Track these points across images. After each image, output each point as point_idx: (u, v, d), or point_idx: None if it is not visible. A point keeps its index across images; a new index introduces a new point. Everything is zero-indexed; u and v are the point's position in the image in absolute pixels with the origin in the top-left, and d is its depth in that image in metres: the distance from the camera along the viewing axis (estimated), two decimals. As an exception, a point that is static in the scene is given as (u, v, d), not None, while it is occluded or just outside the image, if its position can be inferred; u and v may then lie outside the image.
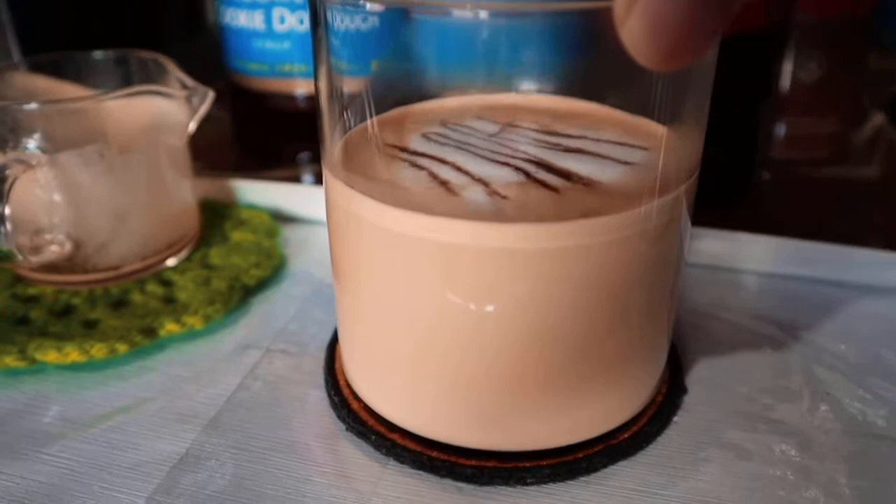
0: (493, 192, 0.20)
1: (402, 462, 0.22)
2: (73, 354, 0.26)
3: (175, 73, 0.31)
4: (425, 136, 0.24)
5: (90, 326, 0.28)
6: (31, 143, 0.27)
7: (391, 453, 0.22)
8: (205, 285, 0.30)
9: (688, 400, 0.25)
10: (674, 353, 0.27)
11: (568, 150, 0.23)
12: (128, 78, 0.33)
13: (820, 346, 0.28)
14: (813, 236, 0.33)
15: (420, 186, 0.20)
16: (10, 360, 0.26)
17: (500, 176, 0.21)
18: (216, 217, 0.35)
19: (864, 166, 0.41)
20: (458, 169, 0.21)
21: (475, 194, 0.20)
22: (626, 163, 0.22)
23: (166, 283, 0.30)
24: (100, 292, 0.30)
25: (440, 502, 0.21)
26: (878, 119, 0.45)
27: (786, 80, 0.40)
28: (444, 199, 0.20)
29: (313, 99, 0.38)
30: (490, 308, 0.20)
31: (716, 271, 0.32)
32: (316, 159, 0.40)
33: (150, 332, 0.27)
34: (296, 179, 0.40)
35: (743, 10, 0.28)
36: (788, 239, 0.31)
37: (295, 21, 0.37)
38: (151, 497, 0.21)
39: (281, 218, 0.36)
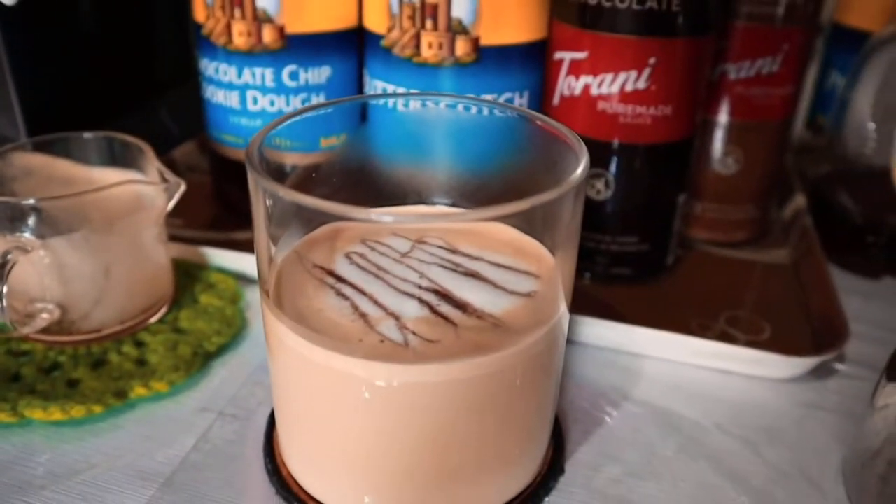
0: (403, 327, 0.25)
1: (318, 528, 0.27)
2: (56, 413, 0.31)
3: (154, 162, 0.36)
4: (348, 258, 0.29)
5: (72, 386, 0.33)
6: (27, 231, 0.32)
7: (308, 519, 0.28)
8: (172, 350, 0.35)
9: (563, 480, 0.30)
10: (558, 432, 0.32)
11: (467, 273, 0.28)
12: (112, 157, 0.38)
13: (694, 432, 0.32)
14: (717, 313, 0.38)
15: (345, 319, 0.25)
16: (3, 416, 0.31)
17: (409, 310, 0.26)
18: (188, 279, 0.40)
19: (778, 249, 0.46)
20: (375, 302, 0.26)
21: (389, 330, 0.25)
22: (515, 293, 0.27)
23: (140, 344, 0.35)
24: (83, 351, 0.35)
25: (341, 566, 0.26)
26: (800, 201, 0.49)
27: (707, 174, 0.44)
28: (364, 336, 0.24)
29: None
30: (398, 425, 0.25)
31: (618, 354, 0.37)
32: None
33: (122, 395, 0.32)
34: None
35: (660, 125, 0.34)
36: (676, 334, 0.36)
37: (266, 102, 0.42)
38: (110, 549, 0.26)
39: (246, 279, 0.41)
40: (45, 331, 0.34)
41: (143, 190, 0.35)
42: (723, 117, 0.43)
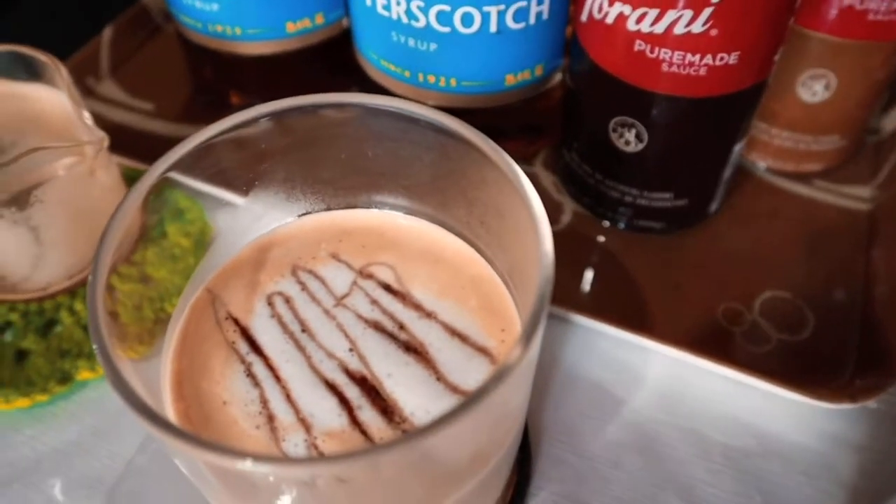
0: (312, 444, 0.21)
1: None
2: (1, 405, 0.30)
3: (70, 86, 0.29)
4: (270, 304, 0.24)
5: (21, 359, 0.31)
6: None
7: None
8: (137, 311, 0.32)
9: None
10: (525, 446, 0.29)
11: (408, 347, 0.23)
12: (28, 70, 0.32)
13: (658, 424, 0.29)
14: (753, 291, 0.32)
15: (249, 422, 0.21)
16: (-50, 401, 0.30)
17: (324, 415, 0.21)
18: (157, 198, 0.35)
19: (858, 186, 0.37)
20: (288, 396, 0.22)
21: (297, 447, 0.21)
22: (457, 389, 0.22)
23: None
24: (34, 308, 0.32)
25: None
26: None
27: (786, 99, 0.34)
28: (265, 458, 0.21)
29: (254, 60, 0.35)
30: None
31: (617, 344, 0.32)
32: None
33: (67, 379, 0.30)
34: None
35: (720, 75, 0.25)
36: (684, 353, 0.30)
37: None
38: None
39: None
40: (-9, 289, 0.32)
41: (54, 156, 0.29)
42: (817, 34, 0.31)
